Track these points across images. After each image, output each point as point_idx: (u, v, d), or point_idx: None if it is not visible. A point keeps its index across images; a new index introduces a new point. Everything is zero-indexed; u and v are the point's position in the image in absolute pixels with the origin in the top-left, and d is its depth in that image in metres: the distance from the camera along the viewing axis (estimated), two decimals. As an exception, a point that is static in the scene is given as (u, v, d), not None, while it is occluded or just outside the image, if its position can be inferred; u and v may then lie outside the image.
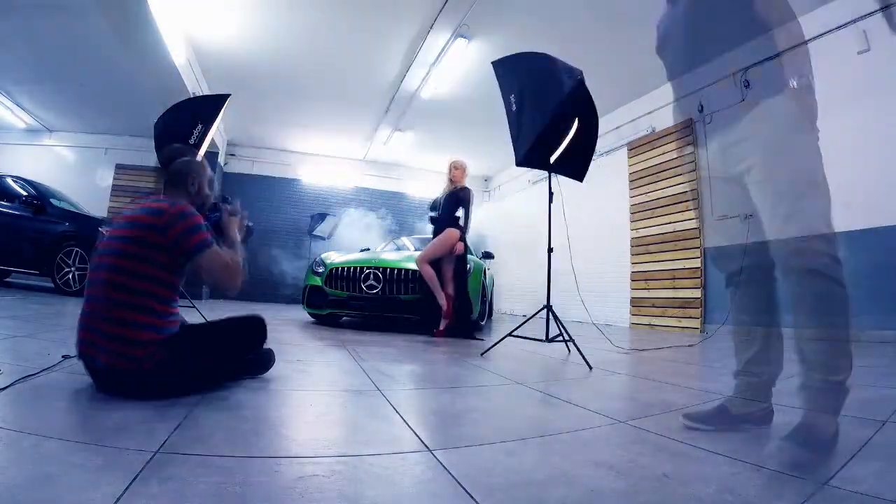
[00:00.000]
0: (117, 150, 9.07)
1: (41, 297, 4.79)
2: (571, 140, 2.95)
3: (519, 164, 3.15)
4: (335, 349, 2.86)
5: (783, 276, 1.33)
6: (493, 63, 3.27)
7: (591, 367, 2.39)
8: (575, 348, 2.70)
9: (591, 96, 2.94)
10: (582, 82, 2.87)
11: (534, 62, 3.03)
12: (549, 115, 2.87)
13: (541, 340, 2.97)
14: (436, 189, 4.90)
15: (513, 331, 3.05)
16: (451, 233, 4.04)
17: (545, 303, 3.05)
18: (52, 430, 0.99)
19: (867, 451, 1.10)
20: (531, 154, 3.02)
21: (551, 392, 1.82)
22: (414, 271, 4.19)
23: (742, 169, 1.39)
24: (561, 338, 2.86)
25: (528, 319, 3.31)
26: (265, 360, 1.78)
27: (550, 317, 2.97)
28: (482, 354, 2.79)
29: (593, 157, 3.18)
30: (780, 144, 1.31)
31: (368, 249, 5.79)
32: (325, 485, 0.84)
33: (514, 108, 3.10)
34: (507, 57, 3.23)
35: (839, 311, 1.16)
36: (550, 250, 3.02)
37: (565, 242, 3.20)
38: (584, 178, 3.21)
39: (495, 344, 2.96)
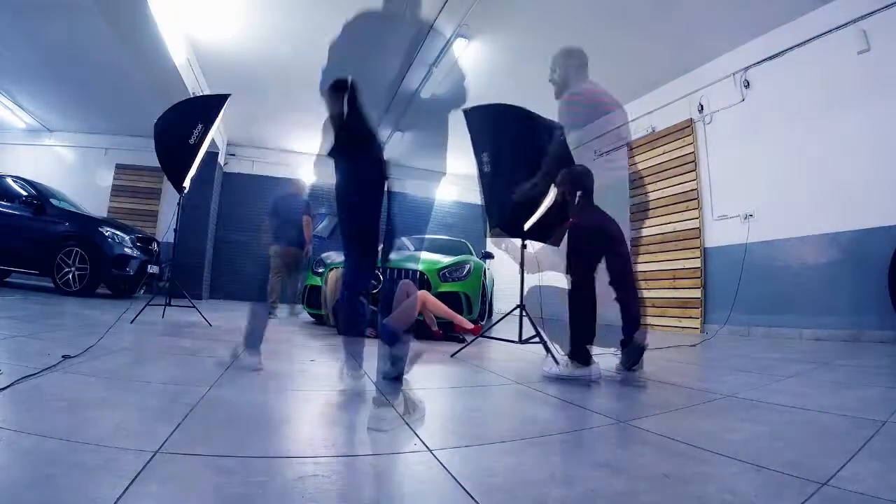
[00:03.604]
0: (117, 150, 9.07)
1: (41, 297, 4.79)
2: (549, 208, 2.75)
3: (492, 235, 2.99)
4: (335, 349, 2.86)
5: None
6: (464, 111, 3.05)
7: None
8: (548, 351, 2.61)
9: (571, 157, 2.71)
10: (564, 144, 2.65)
11: (511, 117, 2.82)
12: (526, 183, 2.66)
13: (513, 342, 2.91)
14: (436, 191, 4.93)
15: (484, 331, 3.05)
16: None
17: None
18: (52, 430, 0.99)
19: (867, 451, 1.10)
20: (507, 225, 2.85)
21: (551, 392, 1.82)
22: (415, 271, 4.19)
23: None
24: (536, 339, 2.75)
25: (501, 319, 3.31)
26: None
27: (525, 317, 2.88)
28: (452, 356, 2.73)
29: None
30: None
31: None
32: (325, 485, 0.84)
33: (486, 168, 2.90)
34: (480, 106, 3.02)
35: None
36: (524, 246, 2.93)
37: (564, 242, 3.18)
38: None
39: (466, 345, 2.94)
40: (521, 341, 2.85)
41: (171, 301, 4.08)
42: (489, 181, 2.91)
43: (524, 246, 2.90)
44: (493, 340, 3.39)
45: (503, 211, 2.83)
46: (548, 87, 2.75)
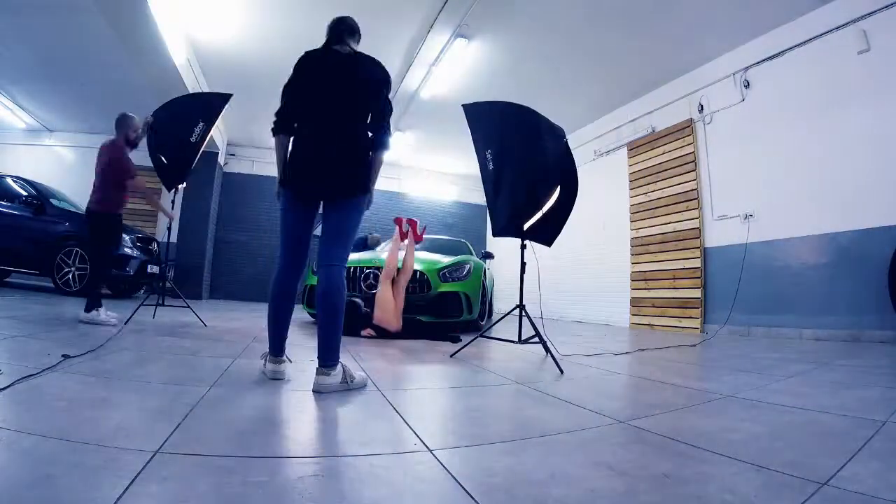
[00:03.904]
0: (117, 150, 9.06)
1: (41, 297, 4.79)
2: (549, 208, 2.73)
3: (497, 234, 2.96)
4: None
5: None
6: (463, 106, 3.03)
7: (562, 371, 2.26)
8: (548, 351, 2.55)
9: (574, 162, 2.71)
10: (567, 146, 2.68)
11: (519, 117, 2.79)
12: (531, 183, 2.68)
13: (513, 342, 2.85)
14: (435, 189, 4.89)
15: (483, 331, 3.02)
16: None
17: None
18: (52, 430, 0.99)
19: (867, 451, 1.10)
20: (510, 224, 2.82)
21: (551, 392, 1.82)
22: (415, 271, 4.18)
23: None
24: (535, 339, 2.67)
25: (500, 319, 3.29)
26: None
27: (525, 317, 2.79)
28: (452, 356, 2.70)
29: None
30: None
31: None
32: (325, 485, 0.84)
33: (490, 166, 2.86)
34: (482, 103, 2.99)
35: None
36: (524, 246, 2.89)
37: (565, 242, 3.16)
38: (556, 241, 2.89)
39: (466, 345, 2.90)
40: (520, 341, 2.83)
41: (163, 301, 4.06)
42: (493, 181, 2.87)
43: (524, 246, 2.89)
44: (493, 340, 3.39)
45: (509, 213, 2.79)
46: (548, 88, 2.74)
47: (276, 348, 1.81)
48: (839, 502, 0.82)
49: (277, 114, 1.84)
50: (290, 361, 1.94)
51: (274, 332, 1.80)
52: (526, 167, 2.75)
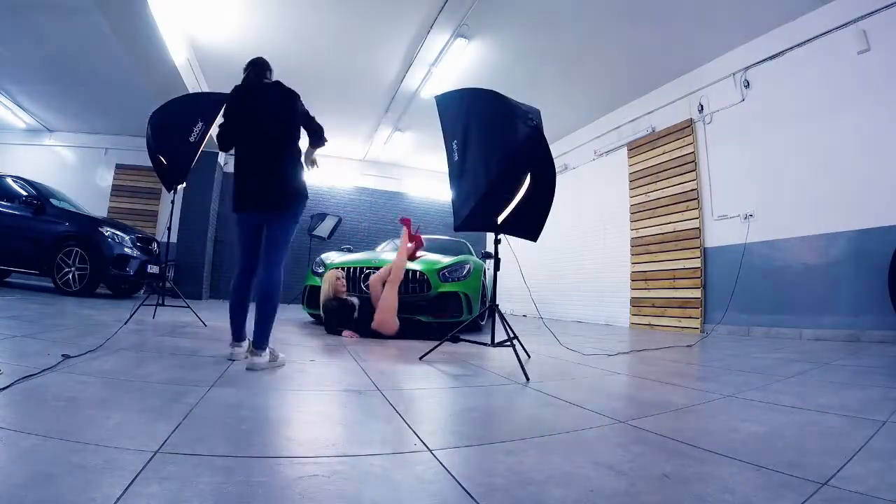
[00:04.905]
0: (117, 150, 9.08)
1: (41, 297, 4.79)
2: (522, 198, 2.47)
3: (458, 228, 2.75)
4: (335, 349, 2.86)
5: None
6: (436, 97, 2.89)
7: (528, 379, 2.06)
8: (516, 352, 2.35)
9: (547, 147, 2.43)
10: (537, 129, 2.40)
11: (482, 102, 2.59)
12: (494, 171, 2.45)
13: (486, 345, 2.68)
14: (435, 189, 4.86)
15: (453, 332, 2.83)
16: None
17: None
18: (52, 430, 0.99)
19: (867, 451, 1.10)
20: (475, 216, 2.61)
21: (551, 392, 1.82)
22: (415, 272, 4.19)
23: None
24: (508, 343, 2.49)
25: (470, 320, 3.20)
26: None
27: (497, 318, 2.58)
28: (420, 359, 2.57)
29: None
30: None
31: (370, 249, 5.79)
32: (325, 485, 0.84)
33: (455, 157, 2.69)
34: (452, 92, 2.80)
35: None
36: (497, 241, 2.75)
37: (564, 242, 3.14)
38: (539, 238, 2.65)
39: (434, 348, 2.71)
40: (493, 344, 2.62)
41: (163, 300, 4.06)
42: (457, 171, 2.70)
43: (498, 241, 2.69)
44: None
45: (471, 205, 2.60)
46: (548, 88, 2.68)
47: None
48: (839, 502, 0.82)
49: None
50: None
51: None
52: (491, 155, 2.51)
